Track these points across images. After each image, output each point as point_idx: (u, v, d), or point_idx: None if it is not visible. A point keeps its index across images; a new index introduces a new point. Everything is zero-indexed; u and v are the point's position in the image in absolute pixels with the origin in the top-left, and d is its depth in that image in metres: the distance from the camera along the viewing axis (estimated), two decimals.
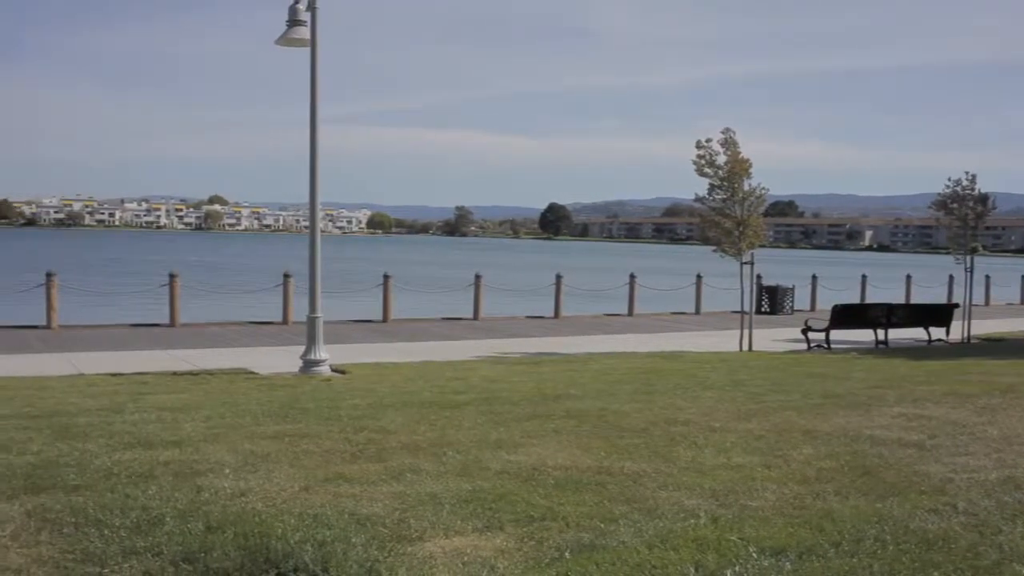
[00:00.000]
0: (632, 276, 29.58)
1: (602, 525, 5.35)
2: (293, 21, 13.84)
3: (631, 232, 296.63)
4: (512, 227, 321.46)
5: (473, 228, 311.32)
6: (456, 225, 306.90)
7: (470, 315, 26.19)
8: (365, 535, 5.03)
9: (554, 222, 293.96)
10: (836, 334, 19.99)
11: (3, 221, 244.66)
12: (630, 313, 29.04)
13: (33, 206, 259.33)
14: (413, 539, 5.05)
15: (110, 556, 4.68)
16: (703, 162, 18.71)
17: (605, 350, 18.07)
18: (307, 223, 15.62)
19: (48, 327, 20.85)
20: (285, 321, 23.17)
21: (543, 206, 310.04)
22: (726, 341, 20.14)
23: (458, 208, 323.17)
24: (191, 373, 13.74)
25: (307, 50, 14.04)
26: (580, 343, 20.05)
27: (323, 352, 14.09)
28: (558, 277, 28.22)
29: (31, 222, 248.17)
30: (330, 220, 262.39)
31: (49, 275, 21.51)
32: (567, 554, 4.83)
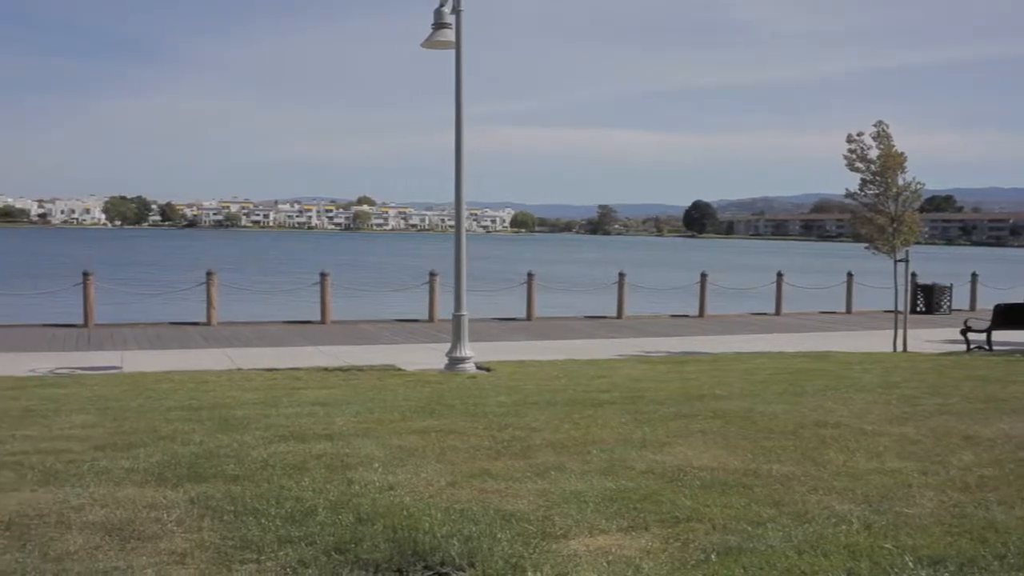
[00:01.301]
0: (779, 274, 28.92)
1: (749, 528, 5.24)
2: (438, 24, 14.06)
3: (778, 229, 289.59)
4: (656, 225, 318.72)
5: (616, 226, 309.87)
6: (599, 223, 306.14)
7: (614, 314, 26.10)
8: (510, 531, 5.07)
9: (699, 219, 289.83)
10: (998, 335, 19.05)
11: (167, 223, 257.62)
12: (777, 312, 28.40)
13: (194, 208, 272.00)
14: (558, 536, 5.06)
15: (266, 544, 4.86)
16: (854, 157, 18.15)
17: (751, 350, 17.72)
18: (452, 222, 15.85)
19: (208, 324, 21.82)
20: (431, 319, 23.60)
21: (687, 203, 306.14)
22: (878, 341, 19.46)
23: (601, 206, 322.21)
24: (341, 369, 14.14)
25: (452, 52, 14.25)
26: (726, 342, 19.72)
27: (468, 349, 14.27)
28: (703, 275, 27.83)
29: (192, 223, 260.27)
30: (474, 219, 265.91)
31: (209, 274, 22.50)
32: (713, 556, 4.75)
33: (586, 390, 11.32)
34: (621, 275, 26.55)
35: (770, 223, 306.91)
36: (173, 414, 9.10)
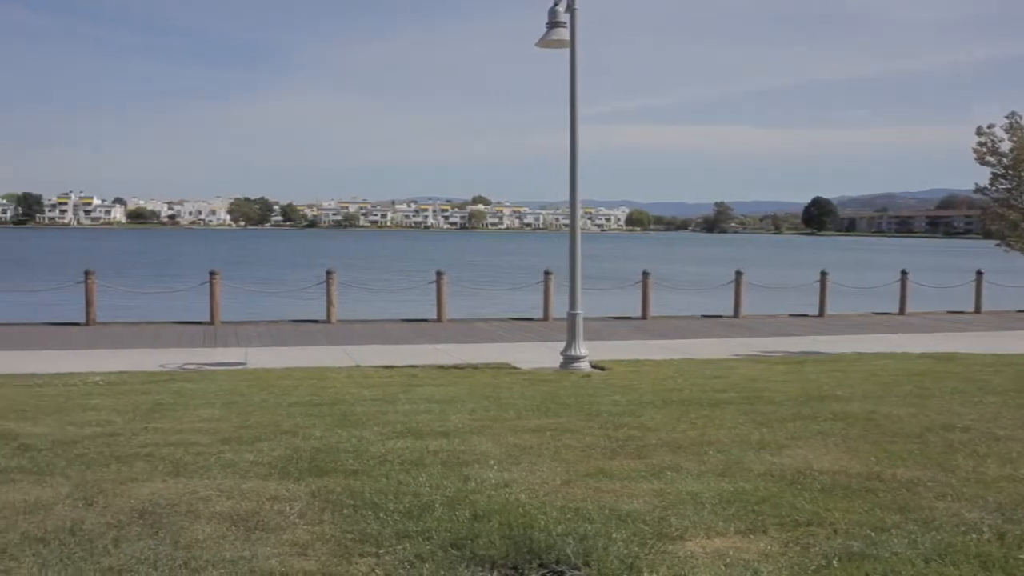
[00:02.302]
0: (903, 272, 28.02)
1: (873, 534, 5.09)
2: (553, 23, 14.07)
3: (902, 226, 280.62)
4: (773, 222, 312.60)
5: (733, 224, 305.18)
6: (715, 221, 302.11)
7: (730, 313, 25.72)
8: (626, 531, 5.05)
9: (818, 217, 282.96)
10: None
11: (288, 223, 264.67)
12: (901, 312, 27.53)
13: (314, 209, 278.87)
14: (674, 537, 5.01)
15: (385, 538, 4.95)
16: (984, 150, 17.48)
17: (874, 350, 17.21)
18: (567, 221, 15.84)
19: (328, 321, 22.33)
20: (546, 317, 23.66)
21: (806, 200, 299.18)
22: (1011, 343, 18.70)
23: (717, 204, 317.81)
24: (457, 367, 14.29)
25: (567, 50, 14.24)
26: (847, 342, 19.21)
27: (583, 348, 14.25)
28: (823, 274, 27.18)
29: (312, 224, 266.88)
30: (589, 218, 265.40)
31: (329, 273, 23.01)
32: (835, 562, 4.63)
33: (702, 390, 11.18)
34: (738, 273, 26.14)
35: (893, 220, 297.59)
36: (295, 409, 9.35)
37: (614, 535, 4.96)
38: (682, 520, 5.29)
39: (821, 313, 26.58)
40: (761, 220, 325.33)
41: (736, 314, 25.64)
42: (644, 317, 24.65)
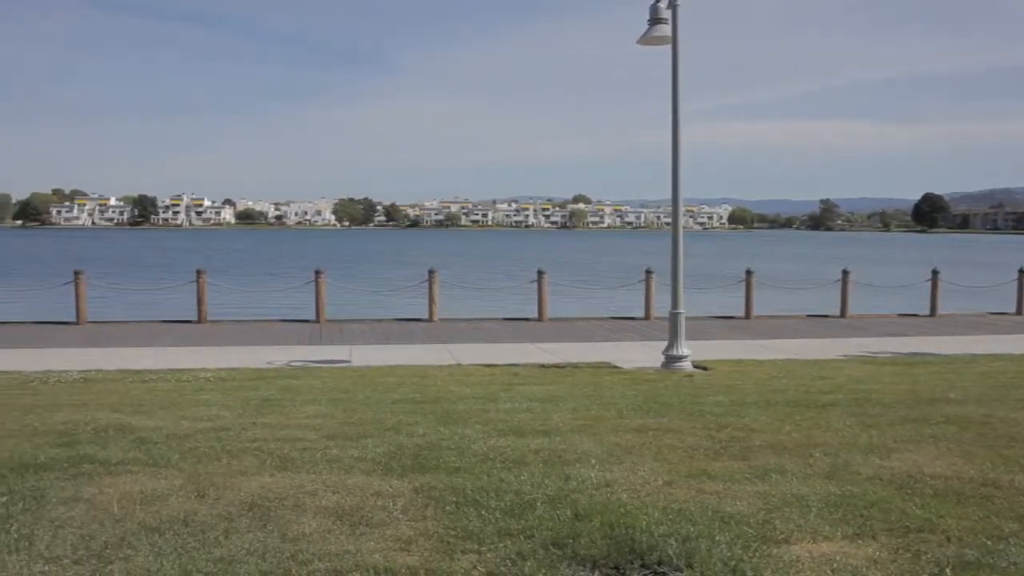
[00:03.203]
0: (1021, 271, 26.98)
1: (988, 542, 4.91)
2: (654, 19, 13.96)
3: (1020, 223, 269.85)
4: (882, 220, 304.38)
5: (839, 222, 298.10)
6: (821, 219, 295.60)
7: (837, 312, 25.14)
8: (729, 533, 4.98)
9: (929, 214, 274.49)
10: None
11: (391, 223, 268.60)
12: (1019, 312, 26.50)
13: (416, 209, 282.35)
14: (779, 541, 4.92)
15: (487, 535, 4.98)
16: None
17: (989, 351, 16.62)
18: (668, 220, 15.70)
19: (430, 320, 22.57)
20: (647, 316, 23.50)
21: (917, 197, 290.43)
22: None
23: (823, 201, 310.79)
24: (558, 366, 14.29)
25: (668, 47, 14.11)
26: (960, 343, 18.58)
27: (685, 348, 14.11)
28: (934, 272, 26.35)
29: (414, 223, 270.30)
30: (691, 216, 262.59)
31: (431, 272, 23.27)
32: (948, 571, 4.48)
33: (807, 391, 10.96)
34: (845, 272, 25.54)
35: (1010, 216, 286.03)
36: (398, 407, 9.48)
37: (717, 537, 4.89)
38: (787, 523, 5.20)
39: (932, 313, 25.78)
40: (869, 217, 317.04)
41: (843, 314, 25.06)
42: (747, 316, 24.28)
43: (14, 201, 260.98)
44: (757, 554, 4.68)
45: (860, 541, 4.94)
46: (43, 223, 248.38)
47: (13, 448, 7.08)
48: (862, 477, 6.30)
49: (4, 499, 5.55)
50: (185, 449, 7.09)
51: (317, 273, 22.81)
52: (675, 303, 14.33)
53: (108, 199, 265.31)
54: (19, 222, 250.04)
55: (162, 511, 5.37)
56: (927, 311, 25.90)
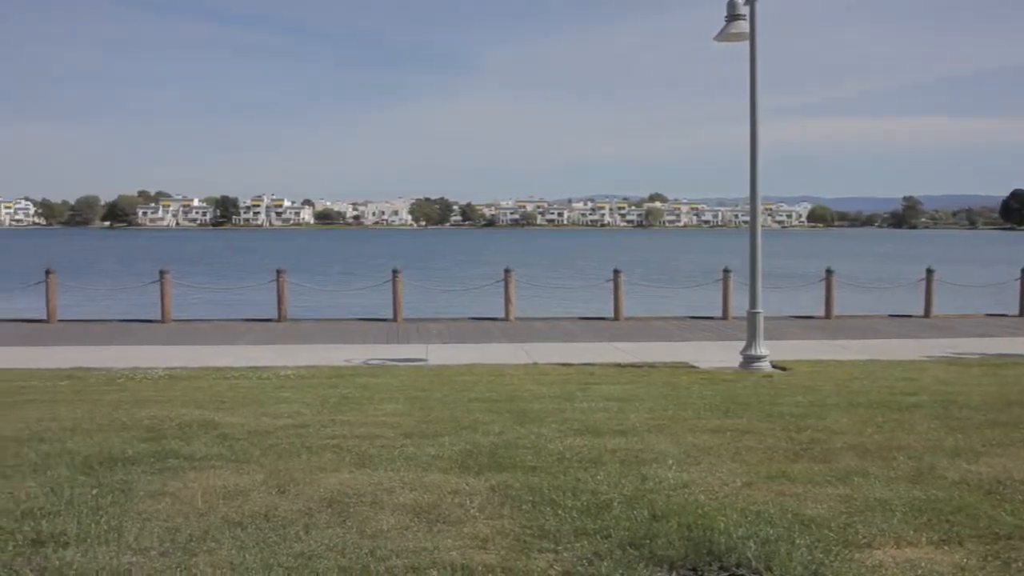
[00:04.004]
0: None
1: None
2: (731, 16, 13.80)
3: None
4: (968, 217, 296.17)
5: (923, 220, 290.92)
6: (904, 217, 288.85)
7: (920, 312, 24.58)
8: (809, 536, 4.90)
9: (1018, 211, 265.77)
10: None
11: (467, 222, 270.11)
12: None
13: (492, 208, 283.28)
14: (861, 545, 4.82)
15: (563, 534, 4.97)
16: None
17: None
18: (746, 218, 15.53)
19: (506, 319, 22.63)
20: (725, 316, 23.25)
21: (1004, 193, 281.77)
22: None
23: (906, 198, 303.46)
24: (634, 365, 14.22)
25: (746, 44, 13.94)
26: None
27: (763, 348, 13.93)
28: None
29: (490, 223, 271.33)
30: (769, 215, 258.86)
31: (507, 271, 23.33)
32: None
33: (890, 392, 10.73)
34: (929, 271, 24.95)
35: None
36: (474, 405, 9.52)
37: (797, 540, 4.82)
38: (870, 528, 5.10)
39: (1021, 313, 25.03)
40: (954, 215, 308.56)
41: (927, 313, 24.48)
42: (827, 316, 23.86)
43: (102, 203, 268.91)
44: (838, 558, 4.59)
45: (947, 547, 4.82)
46: (129, 224, 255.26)
47: (102, 442, 7.29)
48: (948, 481, 6.15)
49: (94, 492, 5.71)
50: (266, 445, 7.22)
51: (394, 273, 23.03)
52: (753, 302, 14.15)
53: (191, 200, 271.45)
54: (107, 223, 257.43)
55: (244, 506, 5.47)
56: (1016, 311, 25.16)
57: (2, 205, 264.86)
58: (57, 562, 4.47)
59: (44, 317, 22.34)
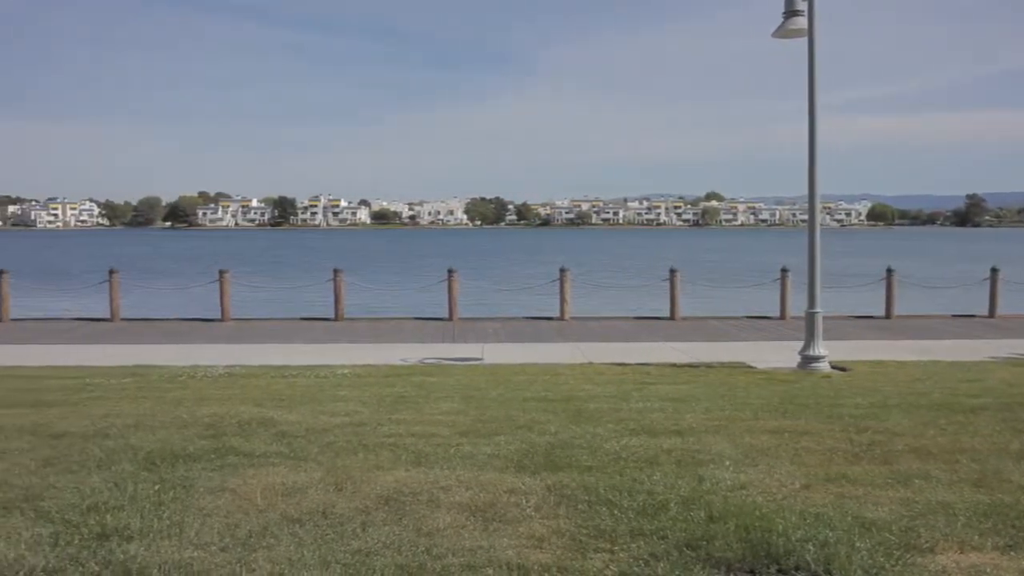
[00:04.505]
0: None
1: None
2: (790, 12, 13.63)
3: None
4: None
5: (987, 217, 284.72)
6: (967, 214, 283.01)
7: (984, 312, 24.07)
8: (870, 540, 4.83)
9: None
10: None
11: (523, 222, 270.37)
12: None
13: (547, 207, 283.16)
14: (923, 549, 4.74)
15: (619, 535, 4.95)
16: None
17: None
18: (804, 217, 15.33)
19: (561, 318, 22.61)
20: (782, 316, 22.98)
21: None
22: None
23: (969, 196, 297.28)
24: (691, 365, 14.12)
25: (804, 39, 13.77)
26: None
27: (822, 348, 13.74)
28: None
29: (545, 222, 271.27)
30: (827, 213, 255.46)
31: (563, 270, 23.30)
32: None
33: (953, 394, 10.52)
34: (993, 270, 24.43)
35: None
36: (529, 404, 9.52)
37: (857, 543, 4.75)
38: (932, 532, 5.00)
39: None
40: (1019, 212, 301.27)
41: (991, 314, 23.96)
42: (888, 316, 23.46)
43: (163, 203, 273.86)
44: (900, 563, 4.52)
45: (1013, 553, 4.72)
46: (190, 224, 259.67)
47: (164, 439, 7.42)
48: (1014, 485, 6.03)
49: (156, 487, 5.82)
50: (324, 443, 7.29)
51: (450, 272, 23.12)
52: (812, 302, 13.97)
53: (250, 200, 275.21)
54: (168, 223, 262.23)
55: (302, 503, 5.53)
56: None
57: (68, 206, 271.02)
58: (121, 555, 4.56)
59: (108, 316, 22.80)
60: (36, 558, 4.53)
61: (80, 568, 4.42)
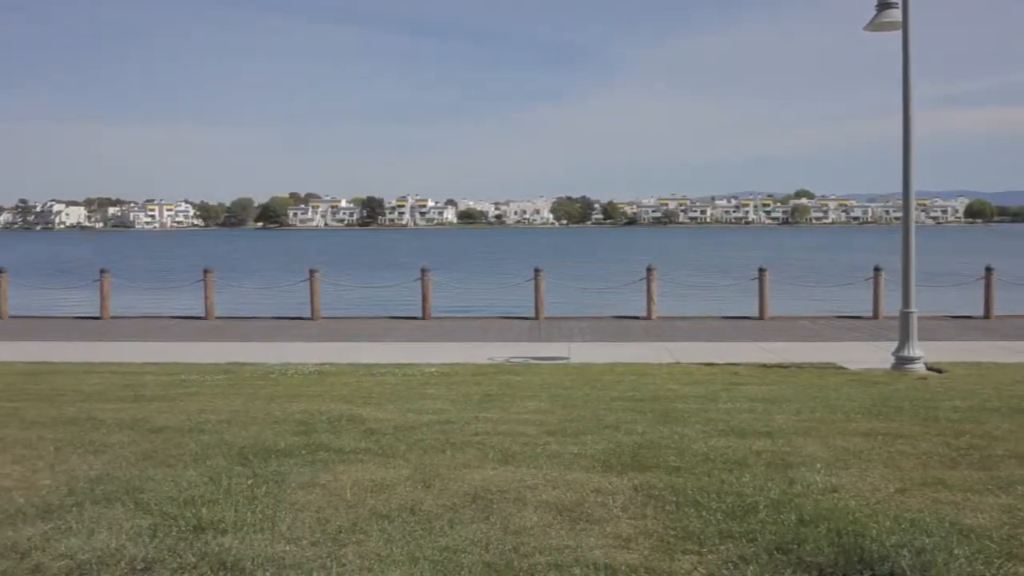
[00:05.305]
0: None
1: None
2: (883, 4, 13.33)
3: None
4: None
5: None
6: None
7: None
8: (969, 547, 4.68)
9: None
10: None
11: (608, 221, 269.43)
12: None
13: (634, 206, 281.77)
14: None
15: (708, 537, 4.89)
16: None
17: None
18: (897, 214, 14.98)
19: (648, 317, 22.47)
20: (875, 316, 22.48)
21: None
22: None
23: None
24: (780, 365, 13.91)
25: (898, 33, 13.44)
26: None
27: (917, 349, 13.41)
28: None
29: (632, 221, 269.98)
30: (922, 210, 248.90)
31: (649, 270, 23.15)
32: None
33: None
34: None
35: None
36: (616, 404, 9.48)
37: (955, 551, 4.61)
38: None
39: None
40: None
41: None
42: (987, 316, 22.76)
43: (255, 204, 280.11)
44: (1001, 571, 4.38)
45: None
46: (281, 225, 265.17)
47: (257, 435, 7.58)
48: None
49: (250, 482, 5.94)
50: (412, 441, 7.36)
51: (536, 271, 23.15)
52: (906, 301, 13.63)
53: (339, 201, 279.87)
54: (259, 224, 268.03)
55: (391, 499, 5.59)
56: None
57: (164, 207, 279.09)
58: (216, 548, 4.67)
59: (203, 314, 23.39)
60: (136, 548, 4.66)
61: (177, 559, 4.54)
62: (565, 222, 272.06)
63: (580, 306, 27.92)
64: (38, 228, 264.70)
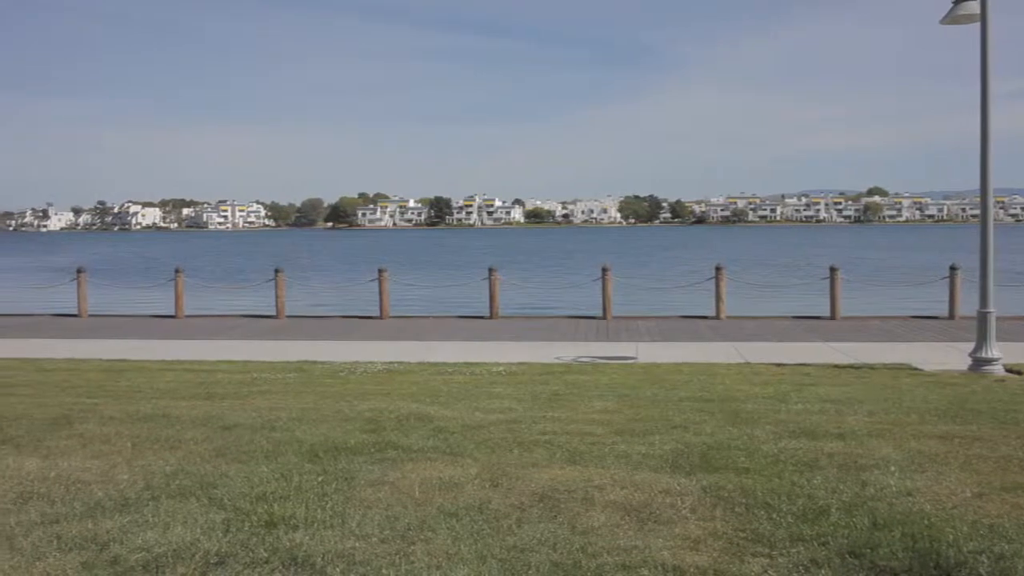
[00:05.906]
0: None
1: None
2: None
3: None
4: None
5: None
6: None
7: None
8: None
9: None
10: None
11: (677, 219, 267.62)
12: None
13: (702, 205, 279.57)
14: None
15: (778, 539, 4.83)
16: None
17: None
18: (974, 212, 14.64)
19: (716, 317, 22.25)
20: (951, 315, 21.97)
21: None
22: None
23: None
24: (852, 366, 13.68)
25: (976, 25, 13.12)
26: None
27: (996, 350, 13.08)
28: None
29: (700, 220, 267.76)
30: (1001, 208, 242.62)
31: (718, 269, 22.92)
32: None
33: None
34: None
35: None
36: (685, 404, 9.41)
37: None
38: None
39: None
40: None
41: None
42: None
43: (325, 204, 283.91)
44: None
45: None
46: (350, 225, 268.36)
47: (327, 432, 7.67)
48: None
49: (320, 479, 6.02)
50: (479, 439, 7.39)
51: (603, 270, 23.08)
52: (984, 301, 13.30)
53: (407, 201, 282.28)
54: (329, 224, 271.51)
55: (459, 498, 5.62)
56: None
57: (236, 208, 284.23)
58: (288, 543, 4.74)
59: (274, 313, 23.76)
60: (210, 542, 4.76)
61: (249, 554, 4.61)
62: (633, 221, 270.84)
63: (647, 305, 27.78)
64: (115, 229, 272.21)
